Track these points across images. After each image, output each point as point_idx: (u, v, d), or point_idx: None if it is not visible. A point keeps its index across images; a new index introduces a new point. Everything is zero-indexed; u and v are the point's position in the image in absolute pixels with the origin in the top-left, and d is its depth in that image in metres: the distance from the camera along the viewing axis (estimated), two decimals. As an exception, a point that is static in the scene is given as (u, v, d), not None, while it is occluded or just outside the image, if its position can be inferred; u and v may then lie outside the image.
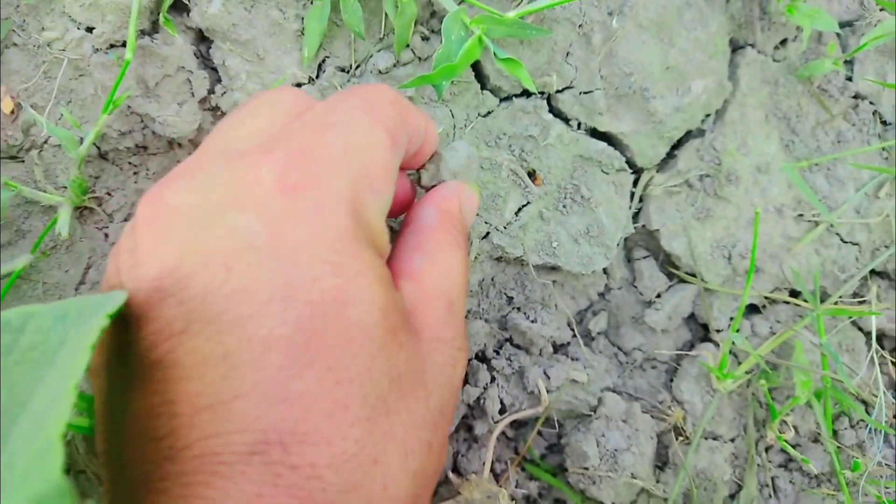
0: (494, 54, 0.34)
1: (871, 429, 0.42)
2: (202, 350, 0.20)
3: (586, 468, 0.40)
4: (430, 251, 0.27)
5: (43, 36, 0.33)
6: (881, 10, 0.43)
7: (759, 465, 0.42)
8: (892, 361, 0.43)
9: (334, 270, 0.21)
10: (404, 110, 0.26)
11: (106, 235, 0.38)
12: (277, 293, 0.20)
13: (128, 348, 0.21)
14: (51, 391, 0.17)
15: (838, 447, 0.41)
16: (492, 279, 0.41)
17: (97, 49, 0.34)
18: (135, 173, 0.39)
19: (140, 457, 0.20)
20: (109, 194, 0.38)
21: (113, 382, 0.21)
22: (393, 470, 0.21)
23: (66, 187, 0.36)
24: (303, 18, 0.36)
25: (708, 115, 0.42)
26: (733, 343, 0.40)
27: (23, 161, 0.36)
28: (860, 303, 0.44)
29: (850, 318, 0.43)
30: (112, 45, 0.34)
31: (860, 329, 0.43)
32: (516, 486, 0.43)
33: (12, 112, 0.34)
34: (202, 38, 0.36)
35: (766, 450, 0.43)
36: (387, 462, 0.21)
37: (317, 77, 0.36)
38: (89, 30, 0.34)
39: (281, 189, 0.22)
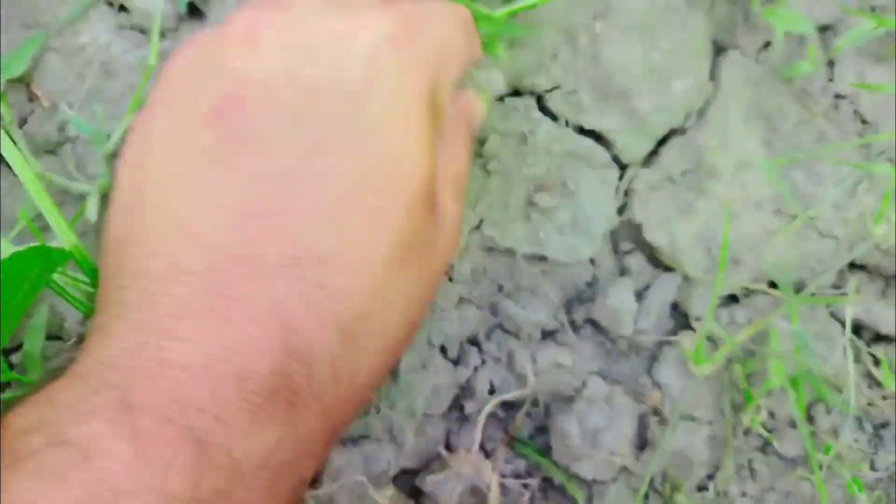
0: (483, 54, 0.37)
1: (847, 414, 0.44)
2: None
3: (568, 445, 0.43)
4: (447, 140, 0.30)
5: (77, 41, 0.37)
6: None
7: (736, 447, 0.44)
8: (868, 353, 0.45)
9: (405, 128, 0.25)
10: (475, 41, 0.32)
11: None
12: (353, 133, 0.23)
13: None
14: None
15: (813, 432, 0.43)
16: (483, 268, 0.44)
17: (126, 52, 0.38)
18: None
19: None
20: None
21: None
22: (396, 310, 0.25)
23: (96, 178, 0.40)
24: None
25: (690, 114, 0.44)
26: (711, 330, 0.42)
27: (58, 155, 0.41)
28: (840, 295, 0.45)
29: (828, 307, 0.45)
30: (138, 49, 0.38)
31: (838, 320, 0.45)
32: (505, 463, 0.46)
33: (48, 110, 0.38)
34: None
35: (745, 433, 0.45)
36: (393, 303, 0.25)
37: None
38: (119, 34, 0.38)
39: (391, 41, 0.25)
